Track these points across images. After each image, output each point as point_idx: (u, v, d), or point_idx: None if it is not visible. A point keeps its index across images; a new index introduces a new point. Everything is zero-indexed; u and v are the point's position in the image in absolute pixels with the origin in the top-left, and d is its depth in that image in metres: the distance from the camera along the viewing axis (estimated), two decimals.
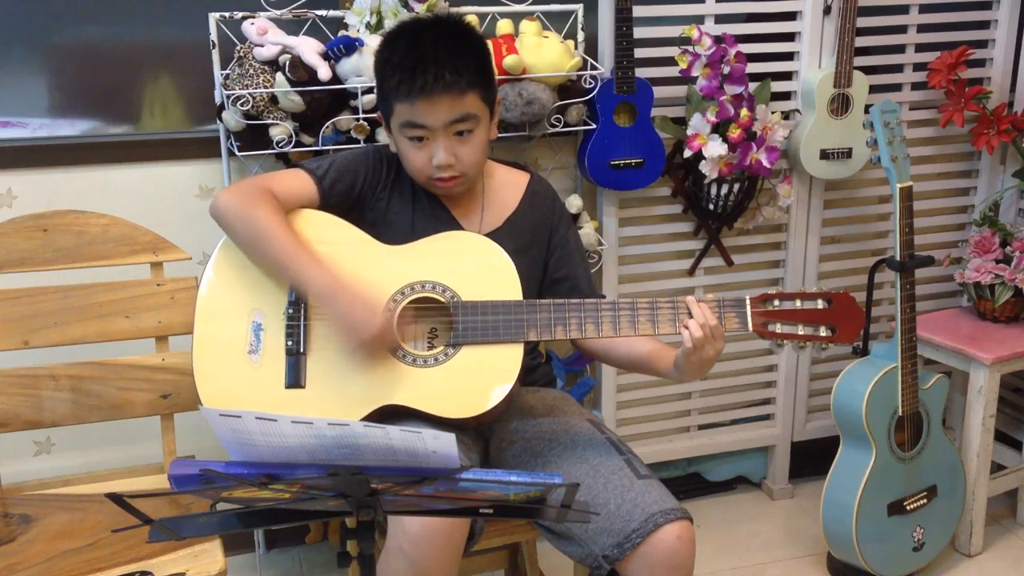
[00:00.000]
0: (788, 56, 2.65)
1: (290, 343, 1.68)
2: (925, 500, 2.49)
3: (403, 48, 1.69)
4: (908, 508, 2.46)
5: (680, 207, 2.66)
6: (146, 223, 2.00)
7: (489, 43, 1.86)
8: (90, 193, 2.28)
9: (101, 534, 1.74)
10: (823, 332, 1.68)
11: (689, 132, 2.47)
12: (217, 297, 1.71)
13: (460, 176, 1.74)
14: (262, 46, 2.16)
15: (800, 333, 1.68)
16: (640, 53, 2.40)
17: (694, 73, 2.44)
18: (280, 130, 2.16)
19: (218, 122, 2.22)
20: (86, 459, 2.41)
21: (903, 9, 2.72)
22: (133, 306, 1.96)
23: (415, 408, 1.65)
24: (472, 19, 2.16)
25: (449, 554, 1.57)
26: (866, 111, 2.43)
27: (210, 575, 1.63)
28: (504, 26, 2.29)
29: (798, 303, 1.68)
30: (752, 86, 2.51)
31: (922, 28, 2.75)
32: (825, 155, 2.61)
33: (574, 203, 2.45)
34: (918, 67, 2.77)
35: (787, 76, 2.65)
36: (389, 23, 2.19)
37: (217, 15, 2.19)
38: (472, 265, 1.72)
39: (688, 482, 2.92)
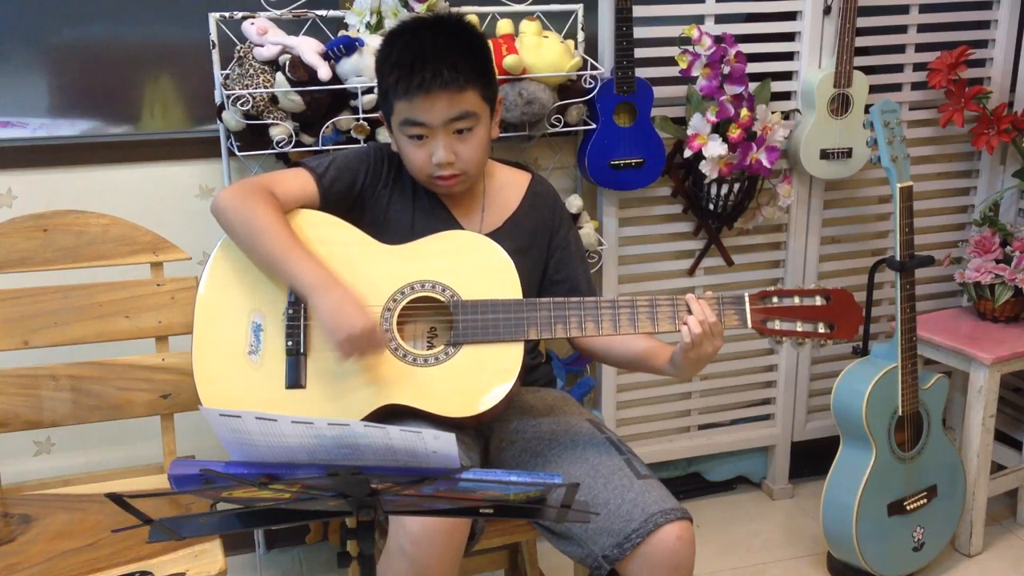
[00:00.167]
0: (788, 56, 2.65)
1: (290, 343, 1.68)
2: (925, 500, 2.49)
3: (402, 46, 1.69)
4: (908, 508, 2.46)
5: (680, 207, 2.66)
6: (146, 223, 2.01)
7: (489, 43, 1.86)
8: (90, 193, 2.28)
9: (101, 534, 1.74)
10: (821, 328, 1.68)
11: (689, 132, 2.47)
12: (217, 297, 1.71)
13: (460, 174, 1.74)
14: (262, 46, 2.16)
15: (799, 330, 1.68)
16: (640, 53, 2.40)
17: (694, 73, 2.44)
18: (280, 130, 2.16)
19: (218, 122, 2.22)
20: (86, 459, 2.41)
21: (903, 9, 2.72)
22: (133, 306, 1.96)
23: (415, 407, 1.65)
24: (472, 19, 2.15)
25: (450, 554, 1.57)
26: (866, 111, 2.43)
27: (210, 575, 1.63)
28: (504, 26, 2.29)
29: (796, 300, 1.69)
30: (752, 86, 2.51)
31: (922, 28, 2.75)
32: (825, 155, 2.61)
33: (574, 203, 2.45)
34: (918, 67, 2.77)
35: (787, 76, 2.65)
36: (389, 23, 2.19)
37: (217, 15, 2.19)
38: (472, 264, 1.72)
39: (688, 482, 2.92)
